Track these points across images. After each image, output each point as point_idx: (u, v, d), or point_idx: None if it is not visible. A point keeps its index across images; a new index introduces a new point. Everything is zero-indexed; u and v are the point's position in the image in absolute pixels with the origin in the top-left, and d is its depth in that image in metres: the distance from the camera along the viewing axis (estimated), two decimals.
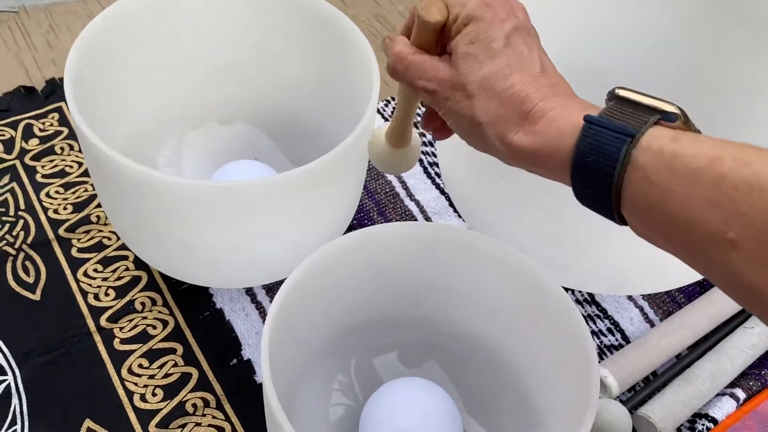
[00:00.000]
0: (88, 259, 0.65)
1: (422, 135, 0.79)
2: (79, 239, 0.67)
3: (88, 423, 0.56)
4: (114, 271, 0.65)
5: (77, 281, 0.64)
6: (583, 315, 0.65)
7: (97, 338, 0.60)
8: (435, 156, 0.77)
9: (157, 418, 0.56)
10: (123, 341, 0.61)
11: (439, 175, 0.75)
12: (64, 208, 0.69)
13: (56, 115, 0.77)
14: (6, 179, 0.71)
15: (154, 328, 0.62)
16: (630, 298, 0.67)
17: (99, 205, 0.69)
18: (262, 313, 0.63)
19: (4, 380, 0.58)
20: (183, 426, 0.56)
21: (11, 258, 0.65)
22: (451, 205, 0.73)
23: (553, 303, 0.48)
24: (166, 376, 0.59)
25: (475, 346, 0.55)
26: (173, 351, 0.60)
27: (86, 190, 0.70)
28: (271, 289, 0.65)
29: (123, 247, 0.66)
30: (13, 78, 0.81)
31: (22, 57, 0.84)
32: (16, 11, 0.90)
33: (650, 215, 0.32)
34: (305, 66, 0.67)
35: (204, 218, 0.52)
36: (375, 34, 0.93)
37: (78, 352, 0.59)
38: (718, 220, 0.29)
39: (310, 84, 0.68)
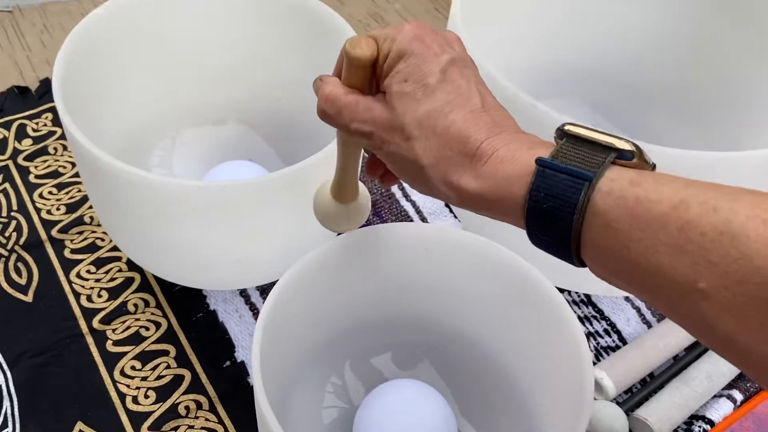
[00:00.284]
0: (81, 261, 0.65)
1: None
2: (72, 240, 0.66)
3: (80, 425, 0.55)
4: (107, 272, 0.64)
5: (70, 282, 0.63)
6: (579, 316, 0.64)
7: (90, 340, 0.60)
8: None
9: (149, 421, 0.56)
10: (116, 343, 0.60)
11: None
12: (57, 209, 0.69)
13: (50, 115, 0.77)
14: None
15: (147, 329, 0.61)
16: (627, 299, 0.67)
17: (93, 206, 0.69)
18: (256, 314, 0.63)
19: None
20: (176, 428, 0.56)
21: (3, 259, 0.65)
22: (447, 205, 0.73)
23: (547, 304, 0.47)
24: (159, 377, 0.58)
25: (470, 347, 0.55)
26: (166, 353, 0.60)
27: (79, 191, 0.70)
28: (265, 290, 0.64)
29: (116, 248, 0.66)
30: (7, 78, 0.81)
31: (16, 57, 0.84)
32: (11, 11, 0.90)
33: (612, 261, 0.30)
34: (299, 66, 0.66)
35: (193, 218, 0.52)
36: None
37: (70, 354, 0.59)
38: (687, 269, 0.27)
39: (305, 85, 0.67)
